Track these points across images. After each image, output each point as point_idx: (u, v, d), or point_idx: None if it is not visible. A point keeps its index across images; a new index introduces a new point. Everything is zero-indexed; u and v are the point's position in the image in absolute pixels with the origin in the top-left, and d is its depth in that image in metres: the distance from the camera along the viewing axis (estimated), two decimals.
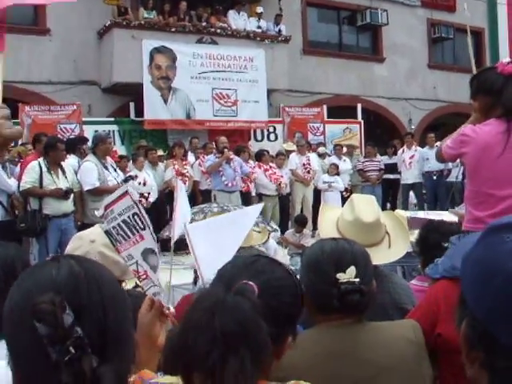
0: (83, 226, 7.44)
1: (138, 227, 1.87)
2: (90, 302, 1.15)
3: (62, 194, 8.24)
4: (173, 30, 15.10)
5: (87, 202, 8.74)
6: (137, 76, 14.36)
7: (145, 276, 1.92)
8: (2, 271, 2.20)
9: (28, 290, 1.15)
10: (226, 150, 11.26)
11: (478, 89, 3.36)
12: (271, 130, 16.49)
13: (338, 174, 13.63)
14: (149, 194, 10.86)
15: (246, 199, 11.80)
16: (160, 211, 10.58)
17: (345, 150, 14.93)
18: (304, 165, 13.24)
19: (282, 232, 10.70)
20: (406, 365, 2.03)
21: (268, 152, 13.32)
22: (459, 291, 1.09)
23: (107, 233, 1.88)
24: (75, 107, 13.92)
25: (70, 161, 9.36)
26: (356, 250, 2.17)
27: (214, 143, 12.52)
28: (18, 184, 8.51)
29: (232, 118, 15.58)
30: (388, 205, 14.51)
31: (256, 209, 2.47)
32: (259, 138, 16.34)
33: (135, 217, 1.87)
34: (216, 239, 2.03)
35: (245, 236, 2.21)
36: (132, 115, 14.88)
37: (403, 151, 14.68)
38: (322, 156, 14.31)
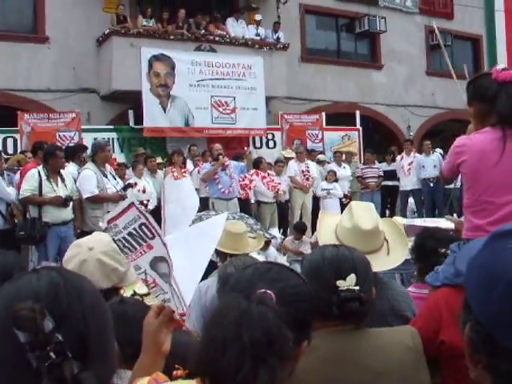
0: (82, 234, 7.43)
1: (145, 237, 1.87)
2: (69, 310, 1.15)
3: (62, 202, 8.25)
4: (171, 37, 15.13)
5: (86, 210, 8.74)
6: (136, 84, 14.37)
7: (154, 284, 1.92)
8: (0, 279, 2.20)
9: (8, 299, 1.15)
10: (220, 156, 11.19)
11: (473, 95, 3.35)
12: (270, 137, 16.50)
13: (336, 180, 13.65)
14: (148, 201, 10.88)
15: (245, 206, 11.79)
16: (159, 218, 10.57)
17: (343, 157, 14.96)
18: (303, 172, 13.25)
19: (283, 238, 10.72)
20: (404, 370, 2.04)
21: (265, 159, 13.34)
22: (461, 298, 1.11)
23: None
24: (74, 115, 13.93)
25: (70, 169, 9.37)
26: (356, 257, 2.18)
27: (209, 150, 12.50)
28: (18, 192, 8.53)
29: (231, 125, 15.58)
30: (387, 212, 14.53)
31: (222, 217, 2.47)
32: (258, 145, 16.34)
33: (142, 227, 1.86)
34: (188, 251, 2.04)
35: (214, 246, 2.22)
36: (131, 123, 14.89)
37: (402, 158, 14.71)
38: (321, 163, 14.33)
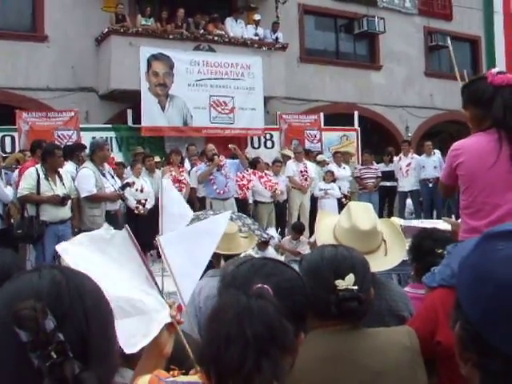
0: (80, 233, 7.42)
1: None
2: (71, 309, 1.15)
3: (59, 201, 8.24)
4: (170, 37, 15.13)
5: (84, 209, 8.73)
6: (134, 83, 14.37)
7: None
8: None
9: (9, 298, 1.14)
10: (215, 156, 11.15)
11: (468, 99, 3.35)
12: (268, 137, 16.50)
13: (334, 181, 13.66)
14: (146, 200, 10.88)
15: (243, 206, 11.80)
16: (157, 218, 10.56)
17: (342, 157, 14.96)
18: (301, 172, 13.25)
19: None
20: (401, 370, 2.05)
21: (262, 160, 13.34)
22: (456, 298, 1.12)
23: None
24: (73, 114, 13.93)
25: (68, 167, 9.36)
26: (355, 257, 2.19)
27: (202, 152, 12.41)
28: (17, 191, 8.53)
29: (229, 125, 15.58)
30: (384, 212, 14.54)
31: (225, 216, 2.46)
32: (256, 145, 16.35)
33: None
34: (188, 250, 2.03)
35: (216, 245, 2.22)
36: (129, 122, 14.89)
37: (400, 159, 14.72)
38: (320, 163, 14.33)
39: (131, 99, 14.62)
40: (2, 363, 1.12)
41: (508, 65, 20.83)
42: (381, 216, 12.08)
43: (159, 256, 6.08)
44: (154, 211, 10.71)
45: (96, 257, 1.89)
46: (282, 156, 14.31)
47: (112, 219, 8.84)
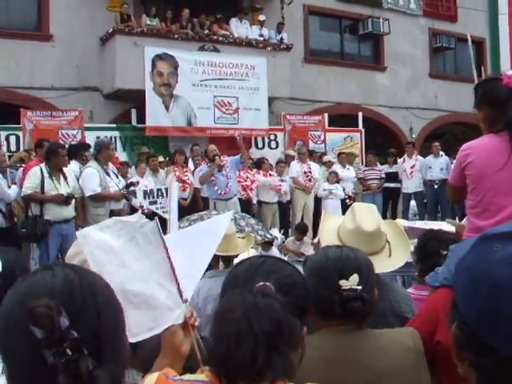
0: None
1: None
2: (84, 307, 1.16)
3: (63, 200, 8.24)
4: (175, 37, 15.13)
5: (88, 208, 8.74)
6: (139, 83, 14.39)
7: None
8: (1, 277, 2.20)
9: (23, 296, 1.15)
10: (216, 157, 11.14)
11: (482, 99, 3.30)
12: (272, 137, 16.50)
13: (338, 181, 13.66)
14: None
15: (247, 207, 11.80)
16: (161, 217, 10.58)
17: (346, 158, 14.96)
18: (305, 173, 13.25)
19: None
20: (404, 371, 2.05)
21: (267, 160, 13.34)
22: None
23: None
24: (77, 113, 13.93)
25: (72, 166, 9.37)
26: (360, 258, 2.20)
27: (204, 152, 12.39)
28: (21, 189, 8.54)
29: (233, 125, 15.57)
30: (388, 214, 14.52)
31: (227, 216, 2.46)
32: (260, 145, 16.35)
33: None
34: (189, 250, 2.03)
35: (217, 245, 2.22)
36: (134, 122, 14.90)
37: (404, 160, 14.71)
38: (326, 164, 14.33)
39: (135, 99, 14.63)
40: (15, 359, 1.14)
41: None
42: (384, 217, 12.07)
43: None
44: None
45: (120, 243, 1.88)
46: (285, 156, 14.30)
47: None
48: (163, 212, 9.77)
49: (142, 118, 14.65)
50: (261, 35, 16.62)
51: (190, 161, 12.84)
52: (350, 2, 19.44)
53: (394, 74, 20.36)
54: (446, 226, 4.35)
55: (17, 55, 14.50)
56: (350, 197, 13.66)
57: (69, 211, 8.42)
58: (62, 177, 8.41)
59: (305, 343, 1.63)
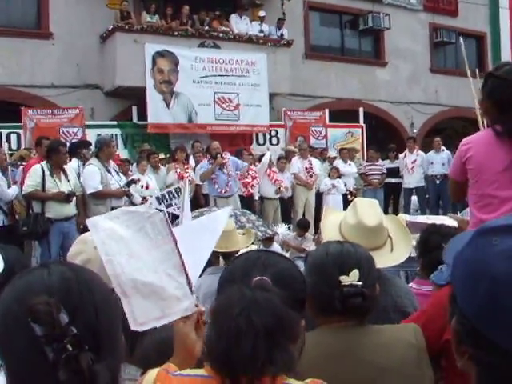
0: (85, 230, 7.40)
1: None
2: (82, 303, 1.18)
3: (64, 198, 8.24)
4: (175, 34, 15.11)
5: (90, 206, 8.73)
6: (139, 80, 14.38)
7: None
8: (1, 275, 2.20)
9: (21, 293, 1.17)
10: (218, 155, 11.13)
11: (491, 94, 3.18)
12: (273, 133, 16.48)
13: (339, 177, 13.65)
14: (151, 197, 10.87)
15: (249, 203, 11.80)
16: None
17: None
18: (306, 169, 13.25)
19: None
20: (406, 367, 2.05)
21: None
22: None
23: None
24: (78, 111, 13.93)
25: (72, 164, 9.38)
26: (360, 253, 2.19)
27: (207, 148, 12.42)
28: (21, 188, 8.55)
29: (234, 121, 15.58)
30: (390, 209, 14.52)
31: (225, 212, 2.45)
32: (261, 141, 16.34)
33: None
34: (188, 246, 2.02)
35: (216, 241, 2.21)
36: (134, 119, 14.90)
37: (405, 155, 14.70)
38: (328, 159, 14.32)
39: (136, 96, 14.63)
40: (13, 356, 1.15)
41: None
42: (386, 213, 12.04)
43: None
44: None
45: (129, 233, 1.87)
46: (285, 152, 14.26)
47: None
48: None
49: (142, 115, 14.65)
50: (261, 31, 16.60)
51: (191, 158, 12.84)
52: None
53: (395, 69, 20.33)
54: (448, 221, 4.35)
55: (17, 54, 14.49)
56: (351, 192, 13.66)
57: (70, 209, 8.42)
58: (62, 174, 8.41)
59: (304, 336, 1.63)
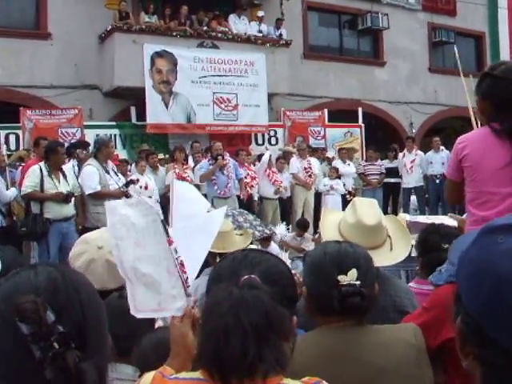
0: (84, 230, 7.42)
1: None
2: (68, 303, 1.19)
3: (63, 198, 8.23)
4: (174, 34, 15.11)
5: (88, 206, 8.72)
6: (138, 80, 14.38)
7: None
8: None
9: (8, 293, 1.18)
10: (219, 157, 11.12)
11: (488, 93, 3.17)
12: (272, 134, 16.48)
13: (338, 177, 13.64)
14: (150, 197, 10.85)
15: (248, 203, 11.79)
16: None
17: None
18: (305, 169, 13.23)
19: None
20: (405, 367, 2.04)
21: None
22: None
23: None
24: (76, 111, 13.92)
25: (66, 164, 9.37)
26: (358, 253, 2.18)
27: (209, 148, 12.43)
28: (20, 189, 8.54)
29: (233, 122, 15.58)
30: (389, 209, 14.51)
31: (221, 212, 2.44)
32: (260, 141, 16.33)
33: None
34: (183, 247, 2.02)
35: (212, 242, 2.21)
36: (133, 119, 14.89)
37: (404, 155, 14.70)
38: (327, 160, 14.32)
39: (135, 96, 14.63)
40: (1, 355, 1.15)
41: None
42: (385, 213, 12.02)
43: None
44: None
45: (143, 222, 1.88)
46: (282, 152, 14.21)
47: None
48: None
49: (141, 115, 14.64)
50: (260, 31, 16.60)
51: (190, 158, 12.83)
52: None
53: (394, 68, 20.33)
54: (448, 221, 4.34)
55: (16, 54, 14.48)
56: (350, 192, 13.64)
57: (68, 209, 8.41)
58: (61, 175, 8.40)
59: (296, 333, 1.62)
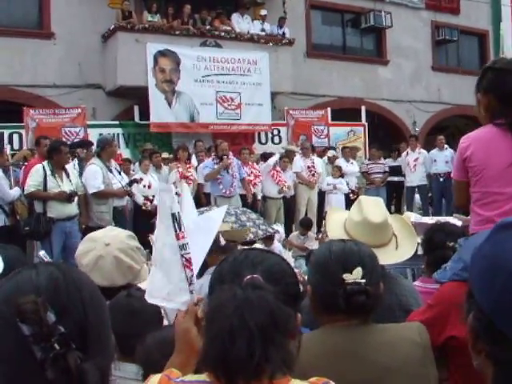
0: (88, 229, 7.44)
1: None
2: (69, 302, 1.18)
3: (66, 197, 8.24)
4: (177, 33, 15.09)
5: (92, 205, 8.74)
6: (141, 79, 14.38)
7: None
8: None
9: (9, 293, 1.17)
10: (225, 157, 11.12)
11: (490, 86, 3.14)
12: (275, 132, 16.48)
13: (341, 176, 13.63)
14: (153, 196, 10.86)
15: (252, 202, 11.79)
16: None
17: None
18: (309, 167, 13.22)
19: (287, 234, 10.68)
20: (411, 366, 2.03)
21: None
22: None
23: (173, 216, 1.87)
24: (80, 110, 13.93)
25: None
26: (363, 251, 2.17)
27: (214, 147, 12.44)
28: (23, 188, 8.55)
29: (236, 121, 15.58)
30: (392, 207, 14.50)
31: (220, 212, 2.44)
32: (263, 140, 16.33)
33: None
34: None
35: (211, 241, 2.20)
36: (136, 118, 14.90)
37: (407, 154, 14.69)
38: (331, 159, 14.30)
39: (138, 96, 14.63)
40: (3, 356, 1.15)
41: None
42: (389, 211, 12.01)
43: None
44: None
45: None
46: (285, 151, 14.20)
47: (119, 215, 8.87)
48: None
49: (144, 114, 14.65)
50: (263, 30, 16.57)
51: (194, 157, 12.84)
52: None
53: (397, 67, 20.31)
54: (453, 221, 4.33)
55: (19, 54, 14.49)
56: (353, 191, 13.63)
57: (72, 208, 8.42)
58: (64, 174, 8.41)
59: (301, 331, 1.61)
